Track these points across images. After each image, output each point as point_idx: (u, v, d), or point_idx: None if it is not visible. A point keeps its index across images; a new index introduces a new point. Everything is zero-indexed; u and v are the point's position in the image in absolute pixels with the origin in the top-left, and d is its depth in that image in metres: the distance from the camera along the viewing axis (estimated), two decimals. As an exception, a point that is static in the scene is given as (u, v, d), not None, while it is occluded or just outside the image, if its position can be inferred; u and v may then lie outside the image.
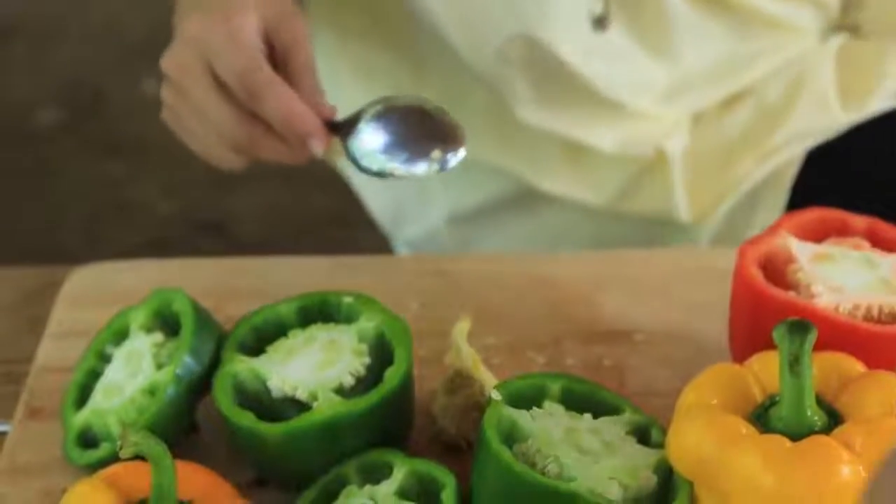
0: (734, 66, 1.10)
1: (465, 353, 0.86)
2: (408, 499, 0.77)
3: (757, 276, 0.82)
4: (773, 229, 0.86)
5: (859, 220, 0.87)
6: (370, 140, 0.89)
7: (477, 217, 1.16)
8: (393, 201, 1.21)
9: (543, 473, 0.75)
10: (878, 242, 0.86)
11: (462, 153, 0.88)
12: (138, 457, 0.72)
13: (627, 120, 1.09)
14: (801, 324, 0.73)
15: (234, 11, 0.88)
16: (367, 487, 0.79)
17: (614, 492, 0.75)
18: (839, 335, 0.79)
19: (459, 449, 0.85)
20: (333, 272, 1.01)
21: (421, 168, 0.88)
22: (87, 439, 0.85)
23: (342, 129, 0.89)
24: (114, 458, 0.76)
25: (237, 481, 0.79)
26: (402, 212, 1.21)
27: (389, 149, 0.89)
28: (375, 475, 0.79)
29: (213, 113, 0.88)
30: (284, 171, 2.36)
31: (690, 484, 0.75)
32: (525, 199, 1.14)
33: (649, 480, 0.76)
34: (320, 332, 0.85)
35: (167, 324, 0.87)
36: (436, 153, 0.88)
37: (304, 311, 0.87)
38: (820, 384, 0.75)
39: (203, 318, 0.86)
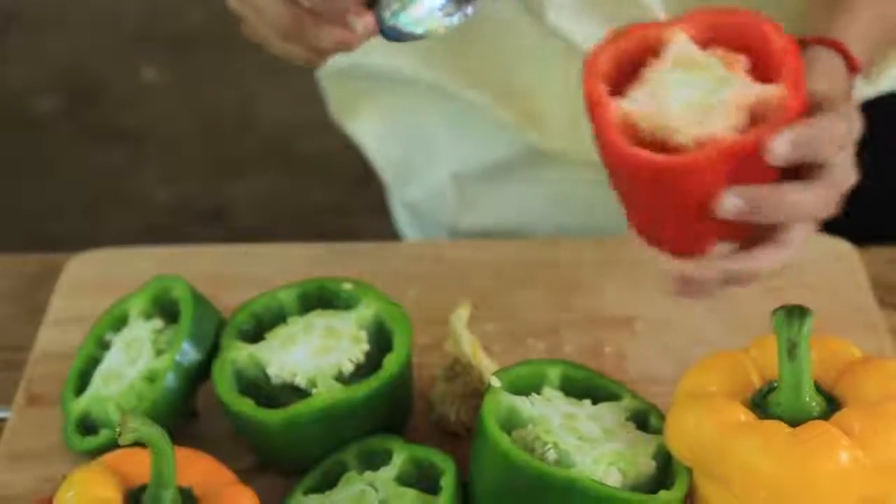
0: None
1: (465, 339, 0.86)
2: (407, 485, 0.78)
3: (599, 92, 0.81)
4: (677, 21, 0.83)
5: (779, 41, 0.83)
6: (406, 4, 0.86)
7: (482, 177, 1.16)
8: (399, 156, 1.21)
9: (542, 460, 0.75)
10: (767, 68, 0.82)
11: None
12: (138, 443, 0.72)
13: None
14: (799, 310, 0.73)
15: None
16: (367, 473, 0.79)
17: (613, 478, 0.75)
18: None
19: (458, 435, 0.85)
20: (332, 259, 1.01)
21: (457, 18, 0.86)
22: (87, 426, 0.85)
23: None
24: (113, 445, 0.76)
25: (237, 467, 0.79)
26: (408, 167, 1.20)
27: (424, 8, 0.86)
28: (375, 461, 0.80)
29: (267, 10, 0.86)
30: (283, 160, 2.37)
31: (689, 470, 0.75)
32: (531, 159, 1.13)
33: (648, 466, 0.76)
34: (319, 319, 0.85)
35: (166, 311, 0.87)
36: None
37: (303, 297, 0.87)
38: (818, 370, 0.75)
39: (202, 305, 0.86)
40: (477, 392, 0.84)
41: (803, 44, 0.91)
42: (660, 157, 0.78)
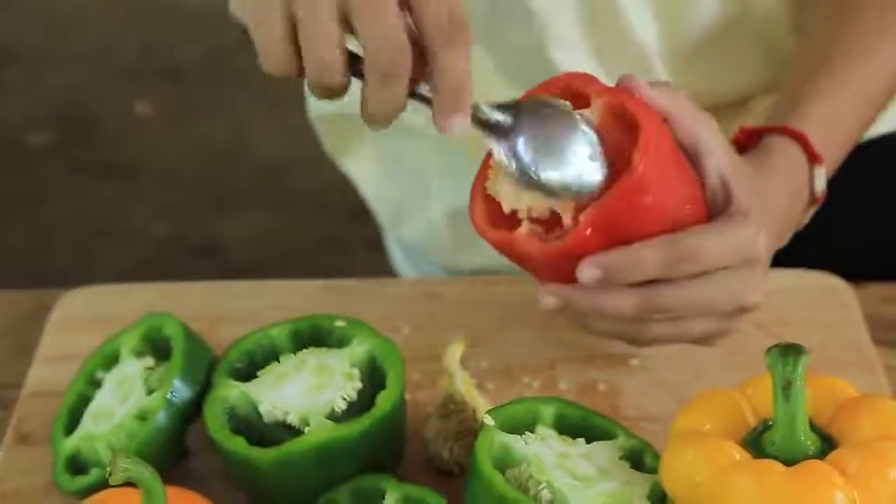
0: (745, 77, 1.10)
1: (459, 377, 0.85)
2: (400, 524, 0.77)
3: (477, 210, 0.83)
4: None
5: (602, 94, 0.81)
6: (534, 147, 0.80)
7: None
8: (394, 195, 1.21)
9: (536, 499, 0.75)
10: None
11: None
12: (129, 483, 0.72)
13: None
14: (794, 348, 0.72)
15: None
16: (359, 513, 0.78)
17: (608, 517, 0.74)
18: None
19: (452, 474, 0.84)
20: (325, 295, 1.01)
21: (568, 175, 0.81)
22: (77, 465, 0.84)
23: (491, 126, 0.80)
24: (104, 485, 0.76)
25: (228, 507, 0.79)
26: (403, 206, 1.21)
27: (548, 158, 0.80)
28: (368, 500, 0.79)
29: (384, 21, 0.74)
30: (277, 194, 2.37)
31: (684, 509, 0.75)
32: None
33: (643, 506, 0.76)
34: (312, 357, 0.84)
35: (158, 348, 0.87)
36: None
37: (295, 335, 0.86)
38: (813, 408, 0.75)
39: (194, 343, 0.86)
40: (471, 430, 0.84)
41: (763, 132, 0.91)
42: (495, 238, 0.82)
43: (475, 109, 0.78)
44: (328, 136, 1.22)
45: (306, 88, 0.79)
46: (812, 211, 0.92)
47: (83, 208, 2.35)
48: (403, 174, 1.18)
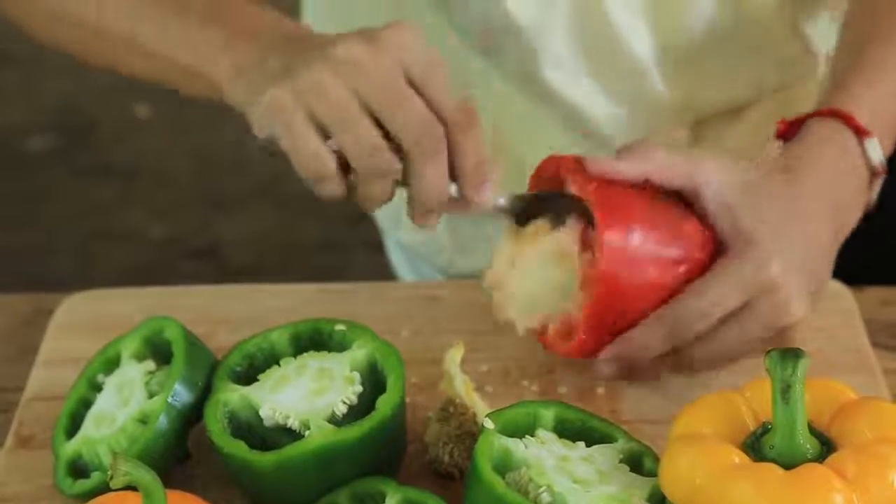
0: (741, 80, 1.10)
1: (459, 380, 0.86)
2: (400, 528, 0.77)
3: None
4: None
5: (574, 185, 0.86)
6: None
7: (475, 221, 1.16)
8: (394, 202, 1.21)
9: (536, 502, 0.75)
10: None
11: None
12: (130, 486, 0.72)
13: (635, 117, 1.09)
14: (793, 352, 0.73)
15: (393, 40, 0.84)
16: (360, 516, 0.78)
17: (608, 520, 0.75)
18: None
19: (452, 477, 0.84)
20: (325, 299, 1.01)
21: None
22: (78, 469, 0.84)
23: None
24: (105, 488, 0.76)
25: (229, 510, 0.79)
26: (402, 209, 1.21)
27: None
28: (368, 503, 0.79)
29: (367, 135, 0.81)
30: (276, 197, 2.37)
31: (684, 512, 0.75)
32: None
33: (642, 509, 0.76)
34: (312, 361, 0.84)
35: (159, 352, 0.87)
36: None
37: (296, 338, 0.86)
38: (813, 411, 0.75)
39: (195, 346, 0.86)
40: (471, 433, 0.84)
41: (804, 119, 0.90)
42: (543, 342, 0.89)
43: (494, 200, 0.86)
44: None
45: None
46: (878, 185, 0.91)
47: (83, 211, 2.35)
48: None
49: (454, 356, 0.86)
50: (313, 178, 0.83)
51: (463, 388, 0.86)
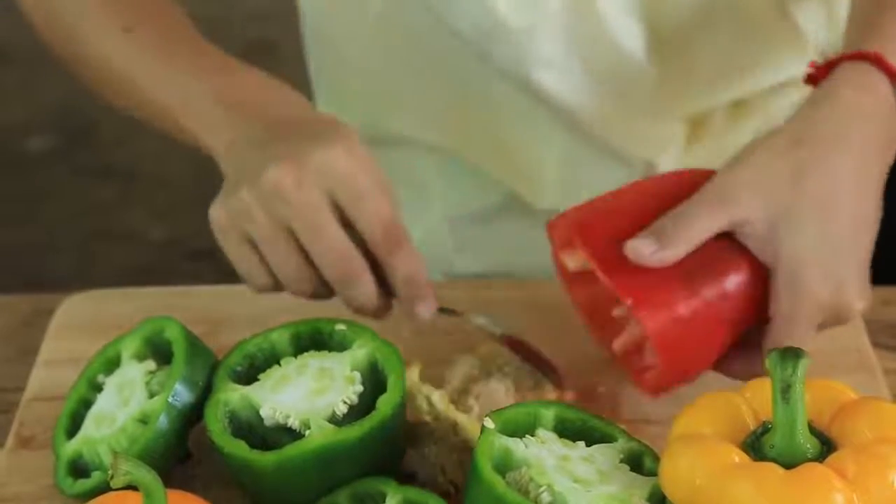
0: (734, 71, 1.10)
1: (423, 398, 0.85)
2: (401, 527, 0.77)
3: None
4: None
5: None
6: None
7: (475, 220, 1.17)
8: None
9: (537, 502, 0.75)
10: None
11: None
12: (130, 486, 0.72)
13: (630, 115, 1.09)
14: (794, 351, 0.73)
15: (365, 151, 0.88)
16: (361, 516, 0.79)
17: (608, 520, 0.75)
18: None
19: (449, 494, 0.83)
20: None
21: None
22: (79, 469, 0.84)
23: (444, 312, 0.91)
24: (105, 488, 0.76)
25: (229, 510, 0.79)
26: (403, 211, 1.21)
27: None
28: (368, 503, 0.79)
29: (327, 239, 0.86)
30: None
31: (684, 512, 0.75)
32: (523, 205, 1.14)
33: (643, 508, 0.76)
34: (313, 360, 0.84)
35: (159, 352, 0.87)
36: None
37: (296, 338, 0.87)
38: (813, 411, 0.75)
39: (195, 346, 0.86)
40: (456, 446, 0.84)
41: (834, 64, 0.89)
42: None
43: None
44: None
45: None
46: None
47: (83, 211, 2.35)
48: (403, 180, 1.18)
49: (411, 376, 0.86)
50: (256, 290, 0.91)
51: (441, 402, 0.85)
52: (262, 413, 0.82)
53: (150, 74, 0.97)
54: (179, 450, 0.84)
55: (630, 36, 1.06)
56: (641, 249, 0.83)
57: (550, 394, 0.88)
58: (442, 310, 0.90)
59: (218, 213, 0.89)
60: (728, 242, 0.85)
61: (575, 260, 0.89)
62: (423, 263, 0.88)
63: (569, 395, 0.90)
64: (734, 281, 0.84)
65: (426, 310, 0.88)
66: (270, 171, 0.85)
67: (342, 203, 0.87)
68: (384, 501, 0.79)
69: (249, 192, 0.86)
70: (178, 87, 0.95)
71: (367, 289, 0.87)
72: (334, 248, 0.86)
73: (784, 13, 1.10)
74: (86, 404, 0.87)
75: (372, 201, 0.87)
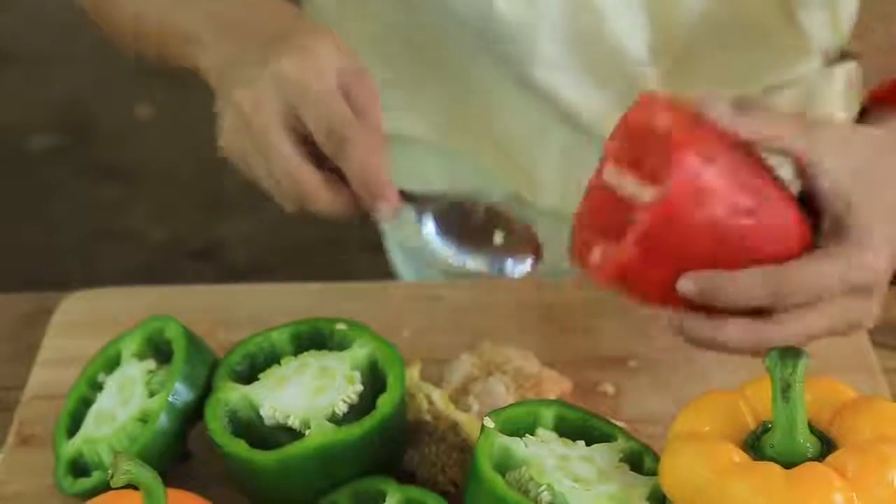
0: (737, 72, 1.10)
1: (423, 398, 0.85)
2: (401, 527, 0.77)
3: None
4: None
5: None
6: (442, 225, 0.89)
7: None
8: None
9: (537, 501, 0.75)
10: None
11: (528, 264, 0.88)
12: (130, 485, 0.72)
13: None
14: (794, 351, 0.73)
15: (323, 54, 0.87)
16: (360, 515, 0.79)
17: (608, 519, 0.75)
18: None
19: (449, 493, 0.84)
20: (326, 298, 1.01)
21: (480, 264, 0.89)
22: (79, 468, 0.84)
23: (411, 200, 0.88)
24: (105, 487, 0.76)
25: (229, 509, 0.79)
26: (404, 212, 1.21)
27: (456, 238, 0.89)
28: (368, 503, 0.79)
29: (278, 160, 0.86)
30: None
31: (684, 511, 0.75)
32: (522, 204, 1.14)
33: (643, 508, 0.76)
34: (313, 360, 0.84)
35: (159, 351, 0.87)
36: (502, 255, 0.88)
37: (296, 337, 0.87)
38: (813, 410, 0.75)
39: (195, 345, 0.86)
40: (455, 445, 0.84)
41: (871, 105, 0.88)
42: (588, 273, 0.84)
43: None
44: None
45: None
46: None
47: (84, 211, 2.36)
48: (405, 177, 1.18)
49: (412, 375, 0.86)
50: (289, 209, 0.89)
51: (441, 400, 0.85)
52: (262, 412, 0.82)
53: (158, 10, 0.98)
54: (179, 449, 0.84)
55: (631, 37, 1.06)
56: (719, 105, 0.81)
57: (551, 393, 0.88)
58: (408, 199, 0.87)
59: (222, 142, 0.88)
60: (783, 185, 0.82)
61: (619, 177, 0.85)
62: (374, 157, 0.85)
63: (566, 387, 0.90)
64: (776, 211, 0.81)
65: (385, 207, 0.85)
66: (234, 95, 0.86)
67: (298, 112, 0.85)
68: (384, 500, 0.79)
69: (227, 118, 0.87)
70: (180, 17, 0.95)
71: (324, 204, 0.86)
72: (284, 169, 0.85)
73: (789, 17, 1.10)
74: (86, 403, 0.87)
75: (315, 105, 0.85)
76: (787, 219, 0.82)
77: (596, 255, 0.83)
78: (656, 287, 0.82)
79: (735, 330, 0.81)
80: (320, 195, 0.86)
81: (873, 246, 0.81)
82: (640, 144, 0.83)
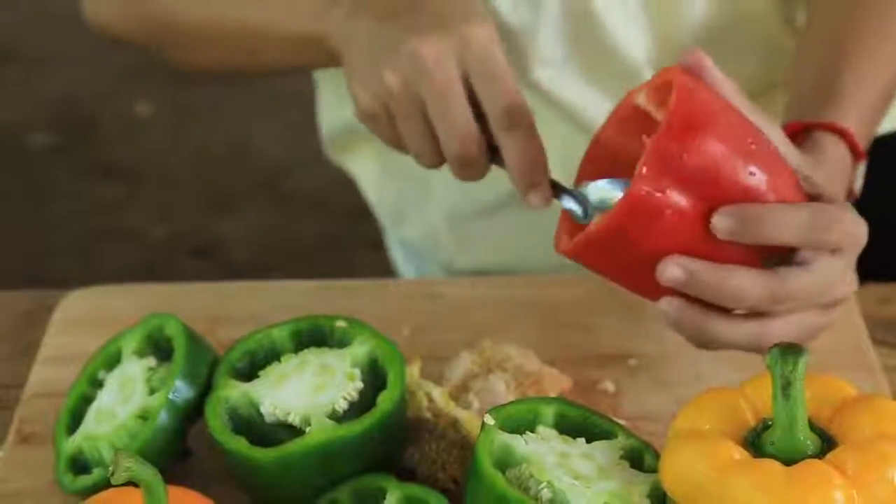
0: (736, 74, 1.10)
1: (423, 395, 0.85)
2: (401, 524, 0.77)
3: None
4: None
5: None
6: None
7: (476, 215, 1.17)
8: (395, 195, 1.21)
9: (537, 499, 0.75)
10: None
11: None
12: (131, 483, 0.72)
13: None
14: (794, 348, 0.73)
15: (496, 38, 0.86)
16: (360, 513, 0.79)
17: (608, 517, 0.75)
18: None
19: (450, 490, 0.83)
20: (326, 296, 1.01)
21: None
22: (79, 465, 0.84)
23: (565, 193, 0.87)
24: (106, 484, 0.76)
25: (230, 507, 0.79)
26: (403, 206, 1.21)
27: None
28: (368, 500, 0.79)
29: (458, 114, 0.84)
30: (277, 195, 2.37)
31: (684, 509, 0.75)
32: (522, 203, 1.14)
33: (643, 505, 0.76)
34: (313, 357, 0.84)
35: (160, 348, 0.87)
36: None
37: (296, 335, 0.87)
38: (813, 408, 0.75)
39: (196, 343, 0.86)
40: (455, 442, 0.84)
41: (806, 129, 0.91)
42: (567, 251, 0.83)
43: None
44: (331, 135, 1.22)
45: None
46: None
47: (83, 209, 2.35)
48: (405, 175, 1.18)
49: (412, 372, 0.86)
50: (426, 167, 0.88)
51: (441, 399, 0.85)
52: (263, 410, 0.82)
53: (260, 11, 0.97)
54: (179, 446, 0.84)
55: (631, 40, 1.07)
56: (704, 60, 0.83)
57: (551, 390, 0.88)
58: (565, 193, 0.85)
59: (363, 99, 0.87)
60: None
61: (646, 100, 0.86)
62: (540, 150, 0.85)
63: (566, 385, 0.90)
64: (776, 163, 0.81)
65: (536, 199, 0.85)
66: (412, 42, 0.84)
67: (473, 79, 0.85)
68: (384, 498, 0.79)
69: (391, 68, 0.84)
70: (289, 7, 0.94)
71: (475, 172, 0.86)
72: (458, 128, 0.84)
73: (789, 20, 1.10)
74: (86, 400, 0.87)
75: (501, 82, 0.85)
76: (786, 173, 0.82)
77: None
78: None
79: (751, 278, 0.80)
80: (481, 163, 0.85)
81: (843, 204, 0.82)
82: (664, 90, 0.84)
